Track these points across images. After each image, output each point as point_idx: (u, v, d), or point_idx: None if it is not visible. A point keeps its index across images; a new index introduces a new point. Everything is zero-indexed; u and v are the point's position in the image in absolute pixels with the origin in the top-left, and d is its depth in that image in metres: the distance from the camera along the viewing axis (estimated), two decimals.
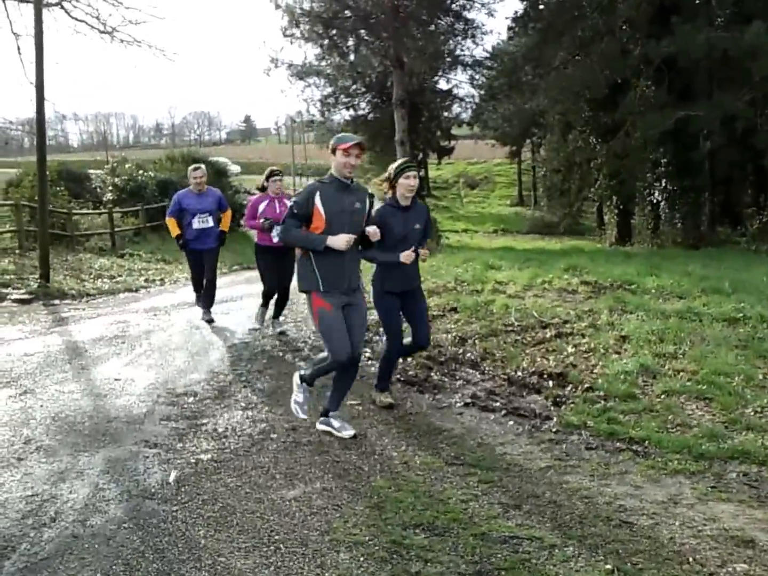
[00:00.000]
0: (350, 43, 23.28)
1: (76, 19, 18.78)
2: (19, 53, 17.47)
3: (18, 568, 3.58)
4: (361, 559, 3.68)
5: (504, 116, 31.70)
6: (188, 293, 13.90)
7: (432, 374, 7.11)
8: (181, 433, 5.52)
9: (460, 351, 7.72)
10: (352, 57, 24.71)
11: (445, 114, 39.81)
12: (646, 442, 5.19)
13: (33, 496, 4.36)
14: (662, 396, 6.00)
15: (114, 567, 3.60)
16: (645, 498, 4.37)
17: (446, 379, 6.96)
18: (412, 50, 20.72)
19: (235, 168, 76.96)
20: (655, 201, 24.49)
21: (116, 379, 6.95)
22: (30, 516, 4.11)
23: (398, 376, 7.04)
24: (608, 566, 3.59)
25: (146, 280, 16.96)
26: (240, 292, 13.89)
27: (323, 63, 26.18)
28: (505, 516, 4.16)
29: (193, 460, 4.98)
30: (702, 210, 23.35)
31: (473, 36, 27.56)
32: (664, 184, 23.50)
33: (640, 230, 26.71)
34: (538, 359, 7.21)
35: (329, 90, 31.38)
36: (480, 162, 73.59)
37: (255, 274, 14.84)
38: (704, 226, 23.36)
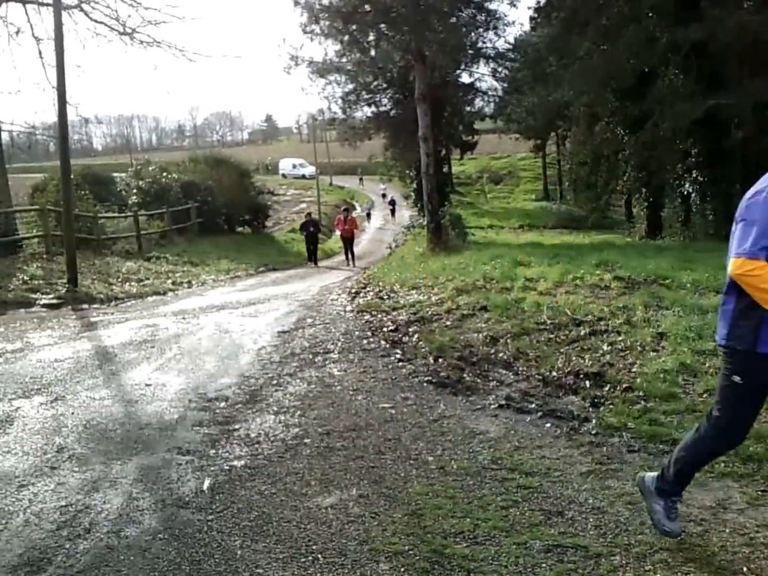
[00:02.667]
0: (371, 38, 23.04)
1: (96, 21, 18.88)
2: (41, 57, 17.62)
3: None
4: (402, 569, 3.58)
5: (528, 109, 31.37)
6: (216, 296, 13.94)
7: (464, 375, 6.99)
8: (214, 439, 5.46)
9: (492, 351, 7.59)
10: (372, 53, 24.51)
11: (468, 108, 39.49)
12: None
13: (67, 507, 4.32)
14: (704, 395, 5.82)
15: None
16: (692, 503, 4.23)
17: (479, 380, 6.83)
18: (434, 43, 20.49)
19: (309, 170, 76.49)
20: (685, 192, 24.07)
21: (147, 385, 6.92)
22: (65, 527, 4.06)
23: (430, 377, 6.94)
24: None
25: (173, 283, 17.00)
26: (267, 293, 13.82)
27: (344, 59, 26.01)
28: (547, 523, 4.04)
29: (226, 467, 4.92)
30: (733, 201, 22.90)
31: (495, 27, 27.19)
32: (694, 175, 23.07)
33: (670, 223, 26.31)
34: (574, 358, 7.06)
35: (350, 87, 31.12)
36: (504, 156, 73.28)
37: (281, 275, 14.87)
38: None
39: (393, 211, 54.15)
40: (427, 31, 20.56)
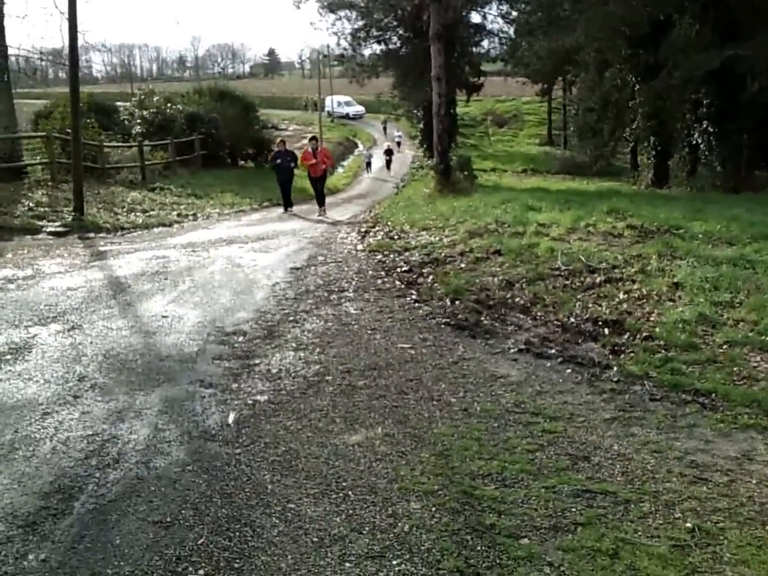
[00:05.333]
0: None
1: None
2: None
3: (88, 509, 3.55)
4: (433, 509, 3.61)
5: (537, 53, 30.89)
6: (223, 230, 13.85)
7: (482, 318, 6.98)
8: (235, 373, 5.46)
9: (509, 295, 7.57)
10: None
11: (476, 49, 38.96)
12: (713, 394, 5.05)
13: (93, 436, 4.33)
14: (724, 347, 5.83)
15: (183, 511, 3.56)
16: (717, 453, 4.26)
17: (497, 324, 6.83)
18: None
19: (354, 108, 74.15)
20: (693, 143, 23.84)
21: (164, 316, 6.89)
22: (93, 456, 4.08)
23: (447, 320, 6.93)
24: (688, 525, 3.50)
25: (179, 215, 16.88)
26: (275, 229, 13.74)
27: None
28: (574, 468, 4.07)
29: (250, 402, 4.93)
30: (742, 153, 22.70)
31: None
32: (704, 126, 22.83)
33: (676, 173, 26.13)
34: (591, 305, 7.04)
35: (361, 23, 30.69)
36: (509, 100, 72.30)
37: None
38: (743, 170, 22.77)
39: (389, 162, 46.66)
40: None
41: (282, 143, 20.04)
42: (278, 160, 18.86)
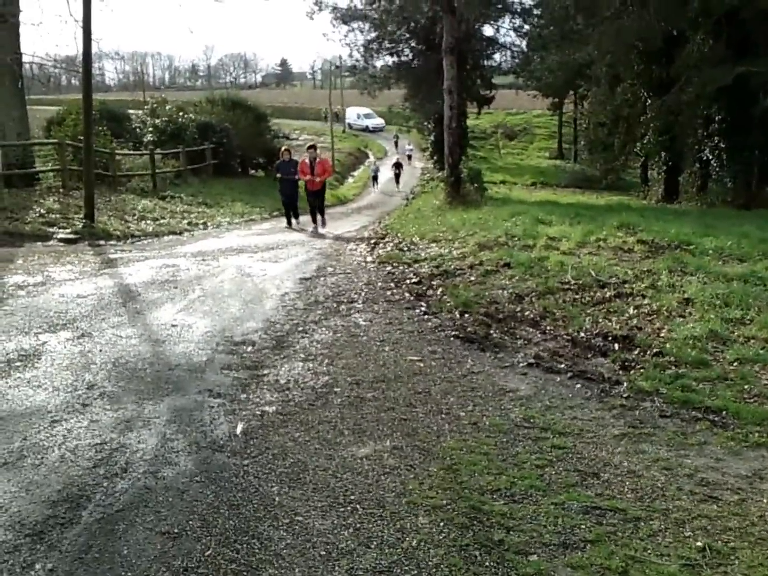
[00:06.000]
0: None
1: None
2: None
3: (95, 519, 3.54)
4: (441, 524, 3.59)
5: (549, 66, 30.96)
6: (233, 239, 13.88)
7: (491, 332, 6.96)
8: (244, 383, 5.46)
9: (518, 309, 7.55)
10: (399, 2, 24.16)
11: (487, 62, 39.10)
12: (724, 412, 5.02)
13: (102, 444, 4.33)
14: (735, 364, 5.80)
15: (190, 522, 3.55)
16: (727, 471, 4.23)
17: (506, 338, 6.81)
18: None
19: (374, 121, 72.94)
20: (704, 158, 23.82)
21: (173, 325, 6.90)
22: (101, 465, 4.07)
23: (456, 332, 6.92)
24: (699, 543, 3.47)
25: (189, 224, 16.93)
26: (285, 239, 13.76)
27: (370, 7, 25.67)
28: (583, 484, 4.04)
29: (258, 412, 4.92)
30: (752, 169, 22.67)
31: None
32: (715, 142, 22.81)
33: (686, 188, 26.09)
34: (600, 320, 7.02)
35: (373, 35, 30.79)
36: (519, 113, 72.38)
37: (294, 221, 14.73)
38: (754, 186, 22.72)
39: (398, 176, 44.10)
40: None
41: (287, 152, 17.93)
42: (280, 172, 17.14)
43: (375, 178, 45.01)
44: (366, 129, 72.09)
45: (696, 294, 7.41)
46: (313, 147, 17.30)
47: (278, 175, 17.31)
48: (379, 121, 71.36)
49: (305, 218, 17.50)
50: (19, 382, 5.30)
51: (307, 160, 16.58)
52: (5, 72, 16.55)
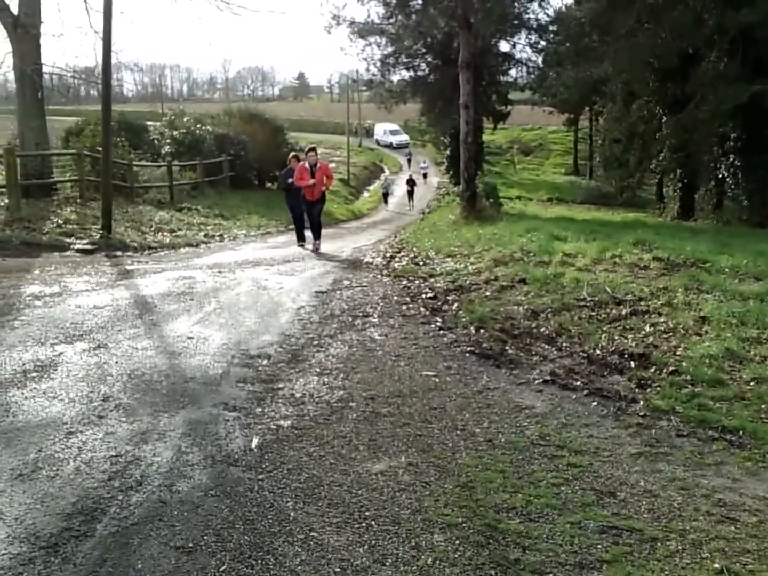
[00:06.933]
0: (418, 1, 22.86)
1: None
2: (85, 1, 17.38)
3: (110, 532, 3.54)
4: (457, 542, 3.57)
5: (565, 83, 31.02)
6: (249, 251, 13.93)
7: (507, 348, 6.94)
8: (259, 397, 5.45)
9: (534, 325, 7.53)
10: (416, 17, 24.28)
11: (503, 78, 39.16)
12: (740, 432, 4.98)
13: (117, 457, 4.32)
14: (752, 383, 5.75)
15: (205, 537, 3.54)
16: (745, 492, 4.19)
17: (522, 354, 6.79)
18: (480, 11, 20.20)
19: (398, 138, 72.10)
20: (720, 176, 23.76)
21: (189, 337, 6.91)
22: (116, 478, 4.07)
23: (472, 348, 6.90)
24: (716, 565, 3.43)
25: (206, 236, 17.01)
26: (301, 252, 13.78)
27: (387, 22, 25.82)
28: (600, 504, 4.01)
29: (273, 426, 4.91)
30: None
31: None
32: (731, 160, 22.76)
33: (702, 206, 26.03)
34: (617, 337, 6.99)
35: (390, 49, 30.91)
36: (535, 128, 72.46)
37: (310, 234, 14.70)
38: None
39: (411, 193, 41.79)
40: None
41: (295, 159, 15.80)
42: (290, 180, 14.95)
43: (386, 196, 43.02)
44: (390, 145, 72.05)
45: (712, 312, 7.37)
46: (313, 150, 14.87)
47: (289, 182, 15.07)
48: (403, 138, 71.15)
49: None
50: (35, 393, 5.31)
51: (306, 165, 14.42)
52: (26, 82, 16.74)
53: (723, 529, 3.77)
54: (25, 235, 13.05)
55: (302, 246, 14.99)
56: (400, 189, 45.60)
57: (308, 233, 15.17)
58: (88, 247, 13.15)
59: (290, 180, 14.96)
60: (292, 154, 17.15)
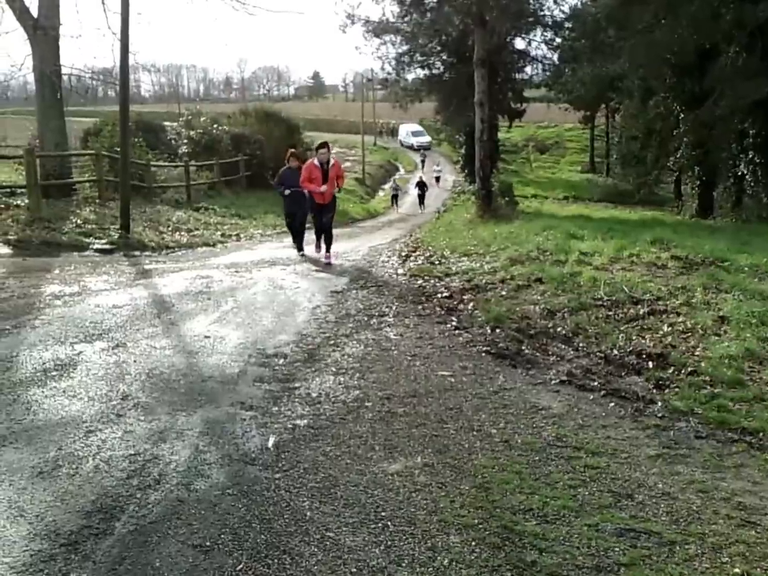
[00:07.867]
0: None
1: None
2: (103, 3, 17.50)
3: (129, 530, 3.56)
4: (473, 543, 3.56)
5: (581, 79, 30.86)
6: (266, 251, 13.95)
7: (523, 348, 6.92)
8: (276, 396, 5.47)
9: (550, 324, 7.50)
10: (431, 15, 24.24)
11: (519, 75, 39.08)
12: (761, 433, 4.94)
13: (135, 455, 4.35)
14: None
15: (222, 536, 3.55)
16: (765, 496, 4.16)
17: (538, 354, 6.77)
18: (495, 9, 20.12)
19: (420, 139, 71.17)
20: (739, 173, 23.56)
21: (206, 337, 6.94)
22: (134, 476, 4.09)
23: (488, 348, 6.89)
24: (736, 570, 3.41)
25: (222, 235, 17.08)
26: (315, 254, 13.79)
27: (401, 20, 25.79)
28: (617, 506, 3.99)
29: (290, 426, 4.92)
30: None
31: None
32: (750, 156, 22.56)
33: (720, 203, 25.83)
34: (634, 337, 6.95)
35: (405, 48, 30.80)
36: (551, 126, 72.16)
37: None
38: None
39: (422, 197, 39.98)
40: None
41: (294, 158, 13.49)
42: (285, 190, 12.91)
43: (395, 198, 41.09)
44: (411, 147, 71.20)
45: (731, 312, 7.32)
46: (324, 146, 12.43)
47: (282, 188, 13.01)
48: (425, 139, 70.24)
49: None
50: (55, 391, 5.35)
51: (316, 162, 12.14)
52: (45, 83, 16.89)
53: (743, 533, 3.74)
54: (45, 235, 13.16)
55: (303, 256, 13.00)
56: (410, 192, 44.91)
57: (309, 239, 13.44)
58: (107, 246, 13.25)
59: (285, 190, 12.89)
60: (290, 151, 14.26)
